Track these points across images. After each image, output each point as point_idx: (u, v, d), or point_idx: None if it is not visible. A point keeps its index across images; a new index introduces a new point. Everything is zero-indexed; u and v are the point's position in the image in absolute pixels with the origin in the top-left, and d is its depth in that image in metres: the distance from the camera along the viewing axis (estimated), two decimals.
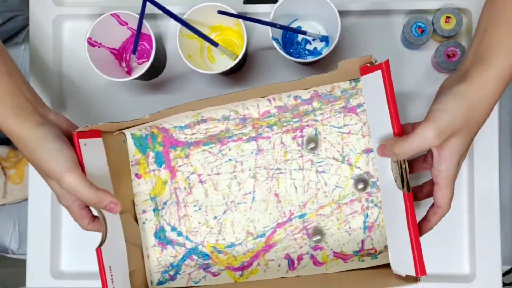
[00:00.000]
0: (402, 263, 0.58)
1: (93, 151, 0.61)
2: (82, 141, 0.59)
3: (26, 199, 0.83)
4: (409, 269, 0.56)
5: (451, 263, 0.74)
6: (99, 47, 0.71)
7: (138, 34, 0.69)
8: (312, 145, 0.67)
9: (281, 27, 0.68)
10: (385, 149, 0.57)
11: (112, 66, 0.74)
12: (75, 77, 0.79)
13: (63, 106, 0.79)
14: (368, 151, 0.66)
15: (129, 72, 0.75)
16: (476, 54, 0.53)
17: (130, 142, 0.68)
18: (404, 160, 0.56)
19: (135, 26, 0.70)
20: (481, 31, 0.54)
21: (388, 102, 0.57)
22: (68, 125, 0.62)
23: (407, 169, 0.56)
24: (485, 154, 0.73)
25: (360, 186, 0.67)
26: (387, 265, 0.62)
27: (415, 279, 0.56)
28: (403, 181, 0.56)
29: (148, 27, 0.69)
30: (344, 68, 0.59)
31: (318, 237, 0.67)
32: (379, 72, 0.58)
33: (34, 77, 0.78)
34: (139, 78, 0.71)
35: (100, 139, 0.63)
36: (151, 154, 0.68)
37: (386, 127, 0.58)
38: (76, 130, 0.59)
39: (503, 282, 0.79)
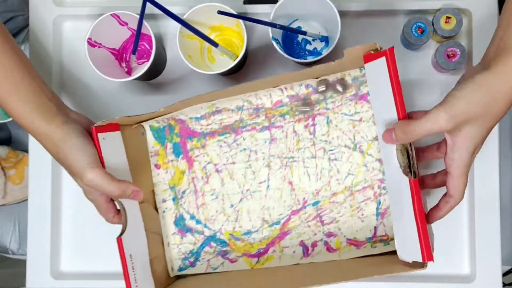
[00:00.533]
0: (409, 250, 0.58)
1: (112, 144, 0.64)
2: (100, 135, 0.62)
3: (26, 200, 0.83)
4: (416, 255, 0.57)
5: (451, 264, 0.74)
6: (99, 47, 0.71)
7: (138, 35, 0.69)
8: (340, 88, 0.66)
9: (281, 27, 0.68)
10: (393, 132, 0.56)
11: (112, 66, 0.74)
12: (75, 78, 0.79)
13: None
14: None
15: (129, 72, 0.75)
16: (499, 46, 0.53)
17: (149, 133, 0.70)
18: (411, 147, 0.56)
19: (135, 27, 0.70)
20: (504, 24, 0.54)
21: (393, 88, 0.57)
22: (88, 123, 0.65)
23: (414, 155, 0.56)
24: (485, 154, 0.73)
25: (340, 88, 0.65)
26: (395, 252, 0.62)
27: (421, 265, 0.56)
28: (410, 168, 0.57)
29: (148, 28, 0.69)
30: (351, 55, 0.59)
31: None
32: (383, 59, 0.58)
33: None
34: (139, 78, 0.71)
35: (118, 132, 0.65)
36: (169, 145, 0.70)
37: (391, 114, 0.58)
38: (95, 125, 0.62)
39: (503, 283, 0.79)
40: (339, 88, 0.66)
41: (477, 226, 0.73)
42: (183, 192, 0.71)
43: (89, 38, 0.70)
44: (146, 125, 0.69)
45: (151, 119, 0.68)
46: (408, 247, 0.59)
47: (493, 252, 0.72)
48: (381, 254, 0.67)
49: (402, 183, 0.58)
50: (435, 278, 0.73)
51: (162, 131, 0.70)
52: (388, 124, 0.58)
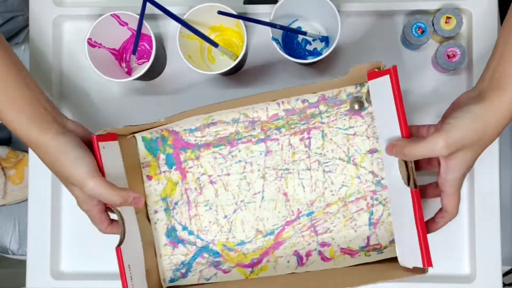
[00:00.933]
0: (409, 256, 0.60)
1: (111, 154, 0.64)
2: (101, 144, 0.62)
3: (26, 200, 0.83)
4: (416, 261, 0.58)
5: (452, 264, 0.74)
6: (99, 47, 0.71)
7: (138, 35, 0.69)
8: (357, 106, 0.67)
9: (281, 27, 0.68)
10: (394, 149, 0.59)
11: (112, 67, 0.74)
12: (75, 78, 0.79)
13: (63, 107, 0.78)
14: (372, 151, 0.68)
15: (129, 73, 0.75)
16: (493, 77, 0.56)
17: (140, 144, 0.70)
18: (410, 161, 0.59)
19: (135, 27, 0.70)
20: (498, 54, 0.57)
21: (397, 106, 0.59)
22: (85, 133, 0.65)
23: (414, 168, 0.59)
24: (485, 155, 0.72)
25: (356, 107, 0.68)
26: (394, 259, 0.64)
27: (422, 271, 0.58)
28: (409, 179, 0.59)
29: (148, 28, 0.69)
30: (355, 72, 0.61)
31: (357, 106, 0.67)
32: (387, 77, 0.60)
33: (34, 77, 0.78)
34: (139, 78, 0.71)
35: (117, 142, 0.66)
36: (162, 156, 0.70)
37: (394, 130, 0.60)
38: (95, 134, 0.62)
39: (504, 283, 0.79)
40: (356, 106, 0.68)
41: (477, 226, 0.73)
42: (176, 203, 0.71)
43: (89, 38, 0.69)
44: (138, 136, 0.70)
45: (152, 128, 0.68)
46: (408, 254, 0.61)
47: (493, 252, 0.72)
48: (378, 262, 0.68)
49: (403, 193, 0.60)
50: (435, 278, 0.73)
51: (155, 142, 0.70)
52: (391, 139, 0.61)
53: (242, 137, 0.70)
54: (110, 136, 0.65)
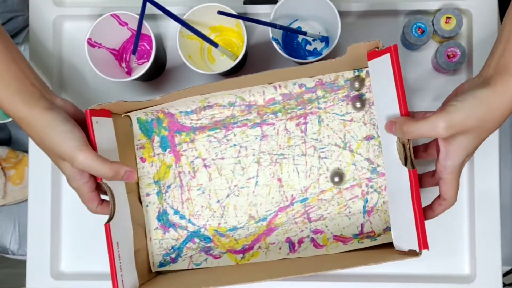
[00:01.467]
0: (405, 239, 0.60)
1: (104, 130, 0.64)
2: (94, 118, 0.62)
3: (26, 200, 0.83)
4: (411, 244, 0.58)
5: (452, 264, 0.74)
6: (99, 47, 0.71)
7: (138, 35, 0.69)
8: (337, 179, 0.68)
9: (281, 27, 0.68)
10: (394, 126, 0.58)
11: (112, 67, 0.74)
12: (75, 78, 0.79)
13: None
14: (369, 138, 0.68)
15: (129, 73, 0.75)
16: (499, 63, 0.55)
17: (135, 126, 0.70)
18: (408, 140, 0.58)
19: (135, 27, 0.70)
20: (504, 40, 0.56)
21: (396, 84, 0.59)
22: (74, 110, 0.64)
23: (411, 149, 0.58)
24: (485, 155, 0.73)
25: (336, 179, 0.68)
26: (389, 245, 0.64)
27: (417, 253, 0.57)
28: (407, 160, 0.59)
29: (148, 28, 0.69)
30: (352, 53, 0.61)
31: (337, 179, 0.68)
32: (387, 55, 0.59)
33: None
34: (139, 78, 0.71)
35: (110, 119, 0.65)
36: (156, 138, 0.70)
37: (393, 109, 0.59)
38: (89, 108, 0.62)
39: (504, 283, 0.79)
40: (358, 104, 0.68)
41: (477, 226, 0.73)
42: (168, 187, 0.71)
43: (89, 38, 0.69)
44: (133, 117, 0.69)
45: (146, 107, 0.68)
46: (404, 237, 0.60)
47: (493, 252, 0.72)
48: (372, 248, 0.67)
49: (401, 174, 0.59)
50: (435, 279, 0.73)
51: (150, 124, 0.70)
52: (390, 119, 0.60)
53: (238, 121, 0.69)
54: (104, 112, 0.64)
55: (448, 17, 0.71)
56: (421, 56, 0.75)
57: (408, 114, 0.58)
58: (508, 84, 0.53)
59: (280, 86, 0.68)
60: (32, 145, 0.77)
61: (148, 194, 0.71)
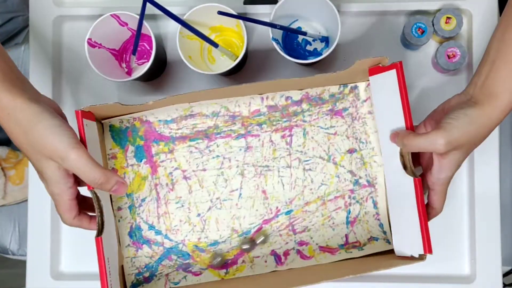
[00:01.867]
0: (407, 245, 0.62)
1: (91, 134, 0.60)
2: (85, 121, 0.58)
3: (26, 200, 0.83)
4: (414, 249, 0.60)
5: (452, 264, 0.74)
6: (99, 47, 0.71)
7: (138, 35, 0.69)
8: (262, 238, 0.68)
9: (281, 27, 0.68)
10: (397, 137, 0.62)
11: (112, 67, 0.74)
12: (75, 78, 0.79)
13: (62, 107, 0.78)
14: (351, 151, 0.69)
15: (129, 73, 0.75)
16: (484, 84, 0.58)
17: (107, 134, 0.66)
18: (407, 152, 0.62)
19: (135, 27, 0.70)
20: (490, 60, 0.59)
21: (403, 101, 0.61)
22: (59, 111, 0.60)
23: (410, 159, 0.62)
24: (485, 155, 0.73)
25: (246, 246, 0.68)
26: (381, 253, 0.67)
27: (421, 257, 0.60)
28: (406, 169, 0.62)
29: (148, 28, 0.69)
30: (358, 67, 0.63)
31: (262, 238, 0.68)
32: (392, 71, 0.62)
33: (34, 77, 0.78)
34: (139, 78, 0.71)
35: (95, 122, 0.62)
36: (131, 148, 0.67)
37: (397, 123, 0.62)
38: (80, 109, 0.58)
39: (504, 283, 0.79)
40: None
41: (477, 227, 0.73)
42: (143, 200, 0.67)
43: (89, 39, 0.69)
44: (106, 123, 0.66)
45: (138, 111, 0.66)
46: (406, 242, 0.62)
47: (493, 253, 0.72)
48: (367, 256, 0.68)
49: (403, 182, 0.62)
50: (436, 279, 0.73)
51: (124, 132, 0.67)
52: (393, 131, 0.63)
53: (222, 131, 0.68)
54: (90, 115, 0.61)
55: (448, 17, 0.71)
56: (421, 56, 0.75)
57: (413, 129, 0.61)
58: (495, 105, 0.57)
59: (267, 98, 0.68)
60: None
61: (119, 208, 0.67)
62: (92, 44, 0.70)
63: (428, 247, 0.58)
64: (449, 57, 0.71)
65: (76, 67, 0.79)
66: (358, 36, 0.76)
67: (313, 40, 0.74)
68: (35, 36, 0.78)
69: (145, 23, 0.68)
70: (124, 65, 0.76)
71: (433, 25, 0.72)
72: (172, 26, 0.77)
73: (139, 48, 0.74)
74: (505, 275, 0.94)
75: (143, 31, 0.69)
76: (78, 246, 0.78)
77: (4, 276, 1.13)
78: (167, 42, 0.78)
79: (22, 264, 0.79)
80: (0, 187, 0.94)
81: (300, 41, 0.74)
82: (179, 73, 0.77)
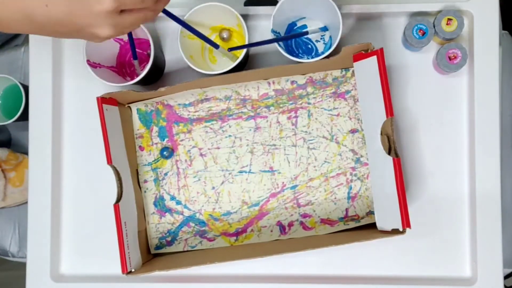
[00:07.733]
0: (388, 220, 0.66)
1: (112, 118, 0.69)
2: (104, 106, 0.67)
3: (26, 202, 0.83)
4: (395, 224, 0.65)
5: (453, 266, 0.74)
6: (99, 67, 0.71)
7: (132, 41, 0.69)
8: None
9: (283, 38, 0.71)
10: None
11: (118, 82, 0.73)
12: (75, 81, 0.79)
13: (63, 108, 0.78)
14: (353, 131, 0.74)
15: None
16: None
17: (135, 116, 0.75)
18: (392, 132, 0.65)
19: (122, 37, 0.70)
20: None
21: (382, 85, 0.65)
22: None
23: (395, 140, 0.65)
24: (486, 157, 0.73)
25: None
26: (371, 226, 0.71)
27: (400, 232, 0.64)
28: (391, 149, 0.66)
29: (146, 32, 0.69)
30: (345, 53, 0.67)
31: None
32: (373, 58, 0.66)
33: (34, 79, 0.78)
34: (139, 82, 0.71)
35: (117, 107, 0.70)
36: (155, 128, 0.75)
37: (378, 110, 0.65)
38: (99, 96, 0.66)
39: (505, 285, 0.78)
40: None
41: (478, 229, 0.73)
42: (165, 174, 0.75)
43: (88, 60, 0.69)
44: (134, 107, 0.74)
45: (152, 98, 0.72)
46: (387, 218, 0.66)
47: (494, 255, 0.72)
48: (357, 229, 0.73)
49: (385, 163, 0.66)
50: (437, 281, 0.73)
51: (149, 115, 0.75)
52: (375, 118, 0.66)
53: (233, 113, 0.74)
54: (112, 101, 0.69)
55: (449, 19, 0.71)
56: (422, 57, 0.75)
57: (392, 112, 0.64)
58: None
59: (273, 82, 0.73)
60: (32, 147, 0.77)
61: (146, 181, 0.75)
62: (92, 65, 0.70)
63: (406, 222, 0.63)
64: (450, 58, 0.71)
65: (76, 69, 0.78)
66: (360, 37, 0.76)
67: (317, 41, 0.74)
68: (35, 37, 0.78)
69: (143, 26, 0.68)
70: (128, 78, 0.76)
71: (434, 26, 0.71)
72: (171, 27, 0.77)
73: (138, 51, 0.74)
74: (506, 277, 0.94)
75: (140, 35, 0.69)
76: (78, 248, 0.78)
77: (4, 278, 1.13)
78: (167, 43, 0.78)
79: (22, 266, 0.79)
80: (0, 189, 0.93)
81: (301, 42, 0.74)
82: (180, 73, 0.78)
